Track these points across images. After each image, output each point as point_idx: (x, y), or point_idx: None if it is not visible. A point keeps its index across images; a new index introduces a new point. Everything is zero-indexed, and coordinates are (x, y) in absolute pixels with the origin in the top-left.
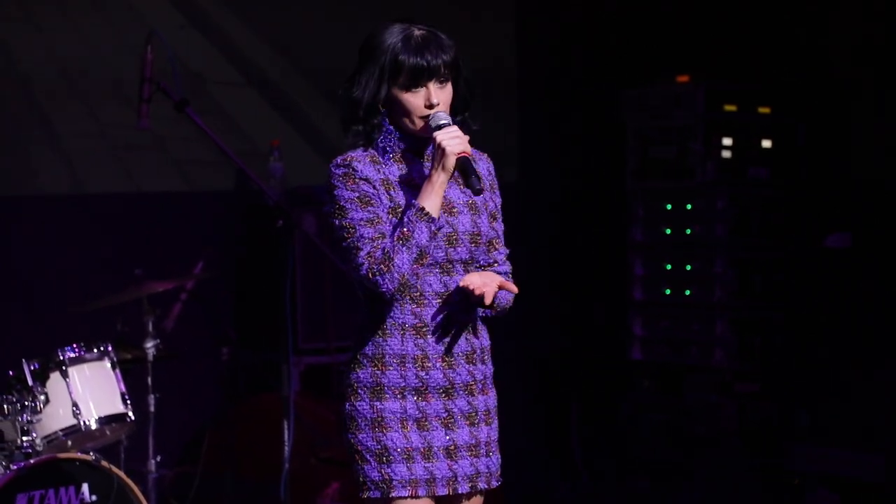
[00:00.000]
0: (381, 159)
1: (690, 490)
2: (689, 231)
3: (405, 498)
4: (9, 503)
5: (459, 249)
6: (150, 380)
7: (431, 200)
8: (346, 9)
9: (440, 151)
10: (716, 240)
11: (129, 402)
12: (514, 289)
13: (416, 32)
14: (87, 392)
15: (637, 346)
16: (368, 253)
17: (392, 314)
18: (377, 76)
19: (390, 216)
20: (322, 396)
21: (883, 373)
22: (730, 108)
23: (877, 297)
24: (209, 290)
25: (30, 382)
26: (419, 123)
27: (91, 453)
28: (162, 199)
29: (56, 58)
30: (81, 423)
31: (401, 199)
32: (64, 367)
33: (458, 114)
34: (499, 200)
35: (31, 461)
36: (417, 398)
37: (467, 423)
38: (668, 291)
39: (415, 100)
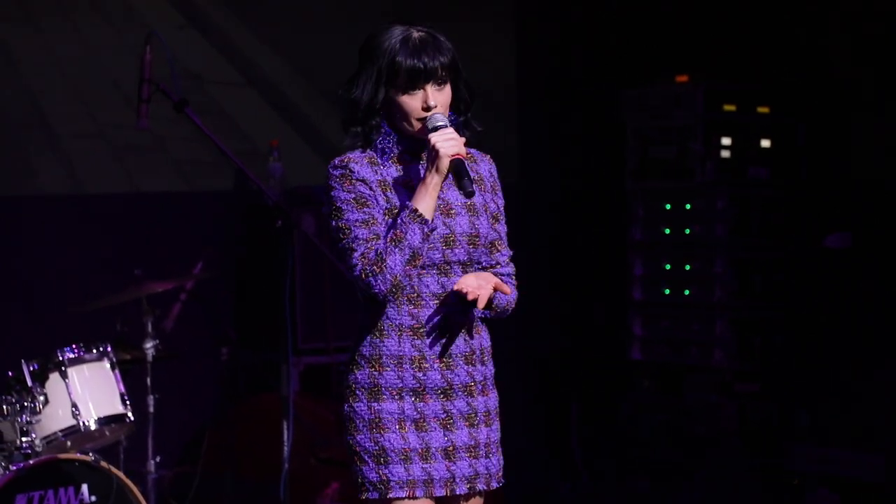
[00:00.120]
0: (379, 160)
1: (690, 490)
2: (688, 231)
3: (402, 499)
4: None
5: (457, 251)
6: (149, 380)
7: (425, 202)
8: (346, 9)
9: (434, 153)
10: (715, 240)
11: (128, 402)
12: (507, 290)
13: (415, 34)
14: (87, 392)
15: (637, 346)
16: (362, 254)
17: (389, 315)
18: (375, 78)
19: (387, 217)
20: (321, 396)
21: (883, 373)
22: (729, 107)
23: (877, 297)
24: (209, 291)
25: (29, 383)
26: (417, 125)
27: (90, 454)
28: (161, 199)
29: (56, 58)
30: (81, 423)
31: (398, 200)
32: (63, 368)
33: (460, 115)
34: (501, 202)
35: (31, 462)
36: (415, 399)
37: (466, 424)
38: (667, 291)
39: (412, 102)
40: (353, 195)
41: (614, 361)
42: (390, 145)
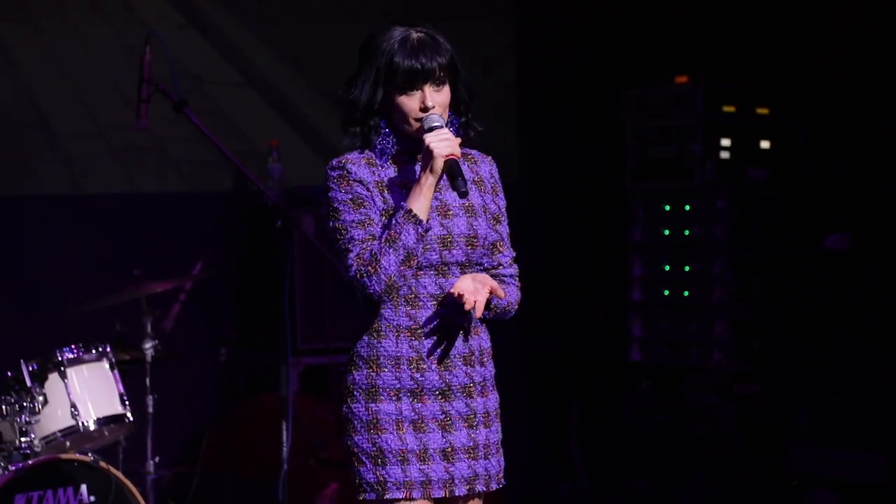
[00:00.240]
0: (377, 161)
1: (690, 490)
2: (687, 232)
3: (399, 500)
4: None
5: (455, 252)
6: (148, 380)
7: (419, 202)
8: (346, 9)
9: (428, 153)
10: (715, 240)
11: (127, 402)
12: (501, 294)
13: (414, 35)
14: (86, 393)
15: (636, 347)
16: (357, 254)
17: (387, 316)
18: (373, 78)
19: (384, 218)
20: (321, 397)
21: (883, 373)
22: (728, 109)
23: (877, 297)
24: (208, 291)
25: (28, 383)
26: (415, 125)
27: (89, 454)
28: (161, 199)
29: (55, 58)
30: (80, 423)
31: (396, 201)
32: (62, 368)
33: (460, 116)
34: (503, 203)
35: (30, 462)
36: (413, 400)
37: (465, 425)
38: (666, 292)
39: (410, 102)
40: (350, 196)
41: (614, 362)
42: (389, 146)
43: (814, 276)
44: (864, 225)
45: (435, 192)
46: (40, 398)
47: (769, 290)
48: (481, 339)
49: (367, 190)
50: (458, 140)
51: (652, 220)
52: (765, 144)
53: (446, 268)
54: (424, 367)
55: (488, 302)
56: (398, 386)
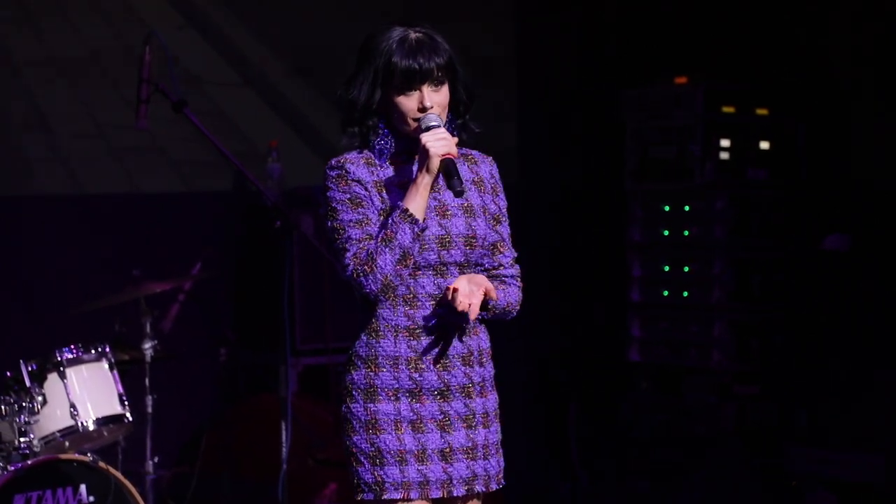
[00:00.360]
0: (376, 161)
1: (690, 490)
2: (687, 232)
3: (397, 500)
4: None
5: (453, 252)
6: (147, 381)
7: (416, 202)
8: (346, 9)
9: (424, 153)
10: (714, 241)
11: (126, 402)
12: (494, 296)
13: (412, 35)
14: (85, 393)
15: (635, 348)
16: (354, 254)
17: (385, 316)
18: (372, 78)
19: (382, 218)
20: (320, 398)
21: (883, 373)
22: (728, 109)
23: (876, 297)
24: (207, 291)
25: (27, 383)
26: (413, 125)
27: (89, 454)
28: (160, 199)
29: (55, 58)
30: (79, 424)
31: (394, 200)
32: (61, 368)
33: (459, 116)
34: (503, 203)
35: (29, 462)
36: (412, 400)
37: (464, 425)
38: (666, 293)
39: (408, 102)
40: (349, 196)
41: (613, 362)
42: (388, 146)
43: (813, 277)
44: (863, 225)
45: (434, 192)
46: (39, 398)
47: (769, 290)
48: (480, 339)
49: (366, 190)
50: (456, 140)
51: (651, 221)
52: (764, 145)
53: (445, 268)
54: (423, 367)
55: (486, 303)
56: (396, 386)
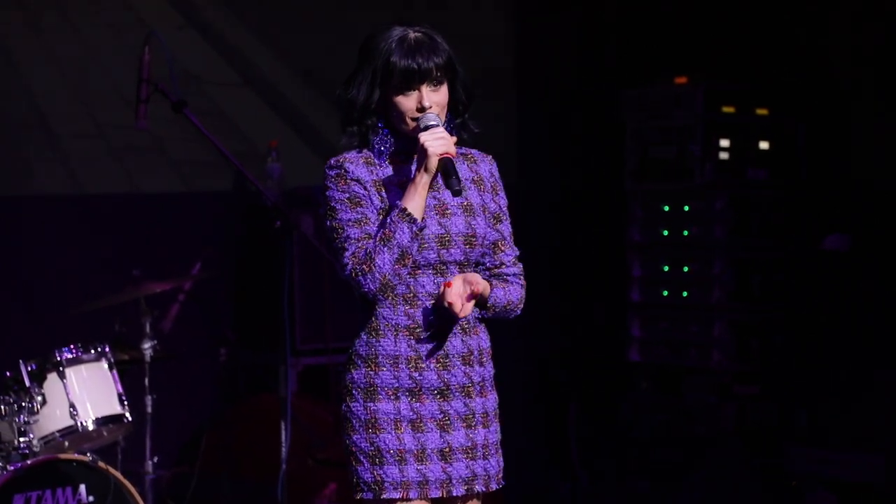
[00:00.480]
0: (375, 160)
1: (690, 490)
2: (686, 232)
3: (396, 500)
4: None
5: (453, 251)
6: (147, 380)
7: (414, 201)
8: (346, 9)
9: (423, 152)
10: (714, 241)
11: (126, 402)
12: (479, 289)
13: (411, 35)
14: (85, 393)
15: (635, 348)
16: (353, 253)
17: (385, 315)
18: (371, 78)
19: (381, 217)
20: (320, 398)
21: (883, 373)
22: (728, 109)
23: (876, 297)
24: (207, 291)
25: (27, 383)
26: (411, 125)
27: (88, 454)
28: (160, 199)
29: (55, 58)
30: (78, 423)
31: (393, 200)
32: (61, 368)
33: (458, 116)
34: (504, 202)
35: (29, 462)
36: (411, 399)
37: (464, 425)
38: (665, 293)
39: (407, 102)
40: (348, 195)
41: (613, 362)
42: (387, 145)
43: (813, 277)
44: (863, 225)
45: (433, 191)
46: (39, 398)
47: (769, 290)
48: (480, 338)
49: (365, 189)
50: (454, 139)
51: (651, 221)
52: (764, 145)
53: (444, 267)
54: (423, 366)
55: (484, 301)
56: (396, 385)
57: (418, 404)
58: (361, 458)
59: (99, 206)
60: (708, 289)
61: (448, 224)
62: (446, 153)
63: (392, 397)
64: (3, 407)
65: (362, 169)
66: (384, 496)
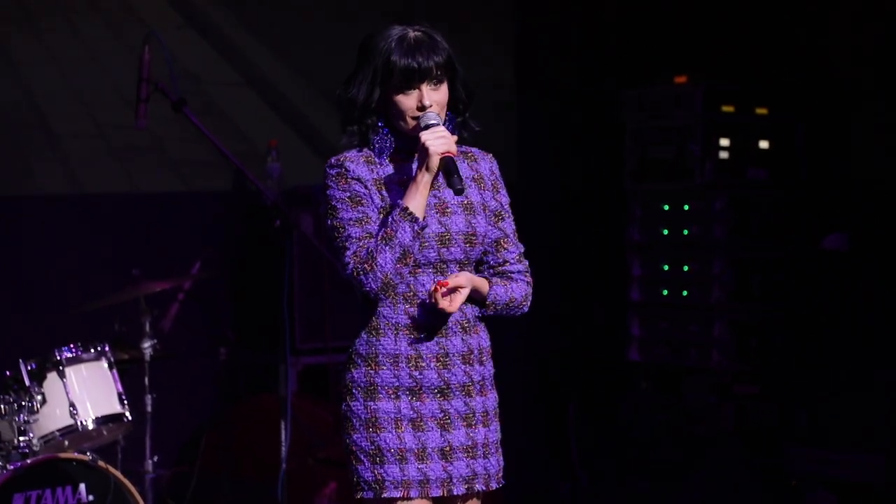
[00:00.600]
0: (376, 159)
1: (690, 490)
2: (686, 232)
3: (397, 499)
4: (6, 503)
5: (453, 250)
6: (147, 380)
7: (416, 200)
8: (346, 9)
9: (424, 151)
10: (714, 241)
11: (126, 402)
12: (449, 282)
13: (411, 34)
14: (84, 392)
15: (635, 347)
16: (354, 252)
17: (385, 314)
18: (371, 77)
19: (382, 216)
20: (320, 397)
21: (883, 373)
22: (727, 108)
23: (876, 297)
24: (207, 291)
25: (27, 382)
26: (412, 124)
27: (88, 453)
28: (160, 199)
29: (54, 58)
30: (78, 423)
31: (394, 198)
32: (61, 368)
33: (458, 115)
34: (505, 200)
35: (28, 461)
36: (412, 398)
37: (464, 424)
38: (665, 292)
39: (407, 101)
40: (349, 194)
41: (613, 362)
42: (387, 144)
43: (813, 277)
44: (863, 225)
45: (433, 189)
46: (39, 397)
47: (768, 290)
48: (480, 337)
49: (366, 188)
50: (455, 138)
51: (651, 220)
52: (764, 144)
53: (445, 266)
54: (423, 365)
55: (484, 299)
56: (397, 384)
57: (419, 403)
58: (362, 457)
59: (99, 206)
60: (708, 289)
61: (448, 223)
62: (447, 152)
63: (392, 396)
64: (2, 406)
65: (363, 168)
66: (385, 495)
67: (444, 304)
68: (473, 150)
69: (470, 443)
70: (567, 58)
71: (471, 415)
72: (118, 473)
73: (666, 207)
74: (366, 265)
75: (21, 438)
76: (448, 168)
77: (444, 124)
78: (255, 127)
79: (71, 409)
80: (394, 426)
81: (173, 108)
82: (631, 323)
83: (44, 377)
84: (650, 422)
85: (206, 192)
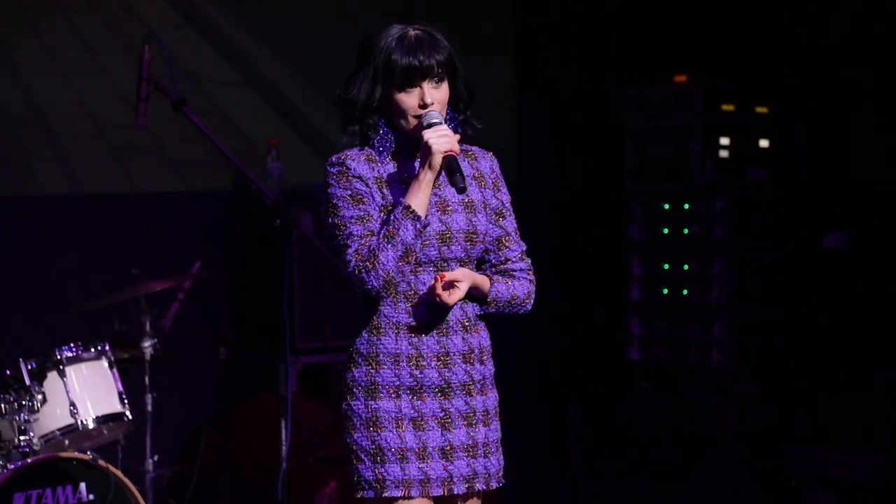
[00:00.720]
0: (377, 158)
1: (690, 490)
2: (686, 231)
3: (398, 498)
4: (6, 502)
5: (454, 248)
6: (147, 379)
7: (418, 198)
8: (346, 9)
9: (426, 150)
10: (714, 240)
11: (126, 401)
12: (441, 278)
13: (412, 33)
14: (85, 391)
15: (635, 347)
16: (356, 250)
17: (386, 313)
18: (371, 76)
19: (383, 214)
20: (320, 397)
21: (883, 373)
22: (728, 107)
23: (876, 297)
24: (207, 290)
25: (27, 382)
26: (413, 122)
27: (88, 452)
28: (160, 198)
29: (54, 58)
30: (79, 422)
31: (395, 197)
32: (61, 367)
33: (459, 113)
34: (506, 198)
35: (29, 460)
36: (413, 397)
37: (465, 423)
38: (665, 291)
39: (409, 100)
40: (350, 192)
41: (613, 362)
42: (388, 143)
43: (813, 276)
44: (863, 225)
45: (434, 188)
46: (39, 397)
47: (768, 290)
48: (481, 337)
49: (367, 186)
50: (457, 136)
51: (651, 220)
52: (764, 144)
53: (445, 264)
54: (424, 364)
55: (485, 296)
56: (397, 383)
57: (419, 402)
58: (363, 456)
59: (99, 205)
60: (708, 288)
61: (449, 221)
62: (450, 150)
63: (393, 395)
64: (3, 405)
65: (364, 166)
66: (385, 494)
67: (443, 295)
68: (474, 148)
69: (470, 442)
70: (567, 58)
71: (471, 414)
72: (118, 473)
73: (666, 207)
74: (367, 263)
75: (21, 438)
76: (450, 166)
77: (445, 123)
78: (255, 127)
79: (71, 408)
80: (394, 425)
81: (173, 107)
82: (631, 322)
83: (44, 376)
84: (650, 422)
85: (206, 191)
